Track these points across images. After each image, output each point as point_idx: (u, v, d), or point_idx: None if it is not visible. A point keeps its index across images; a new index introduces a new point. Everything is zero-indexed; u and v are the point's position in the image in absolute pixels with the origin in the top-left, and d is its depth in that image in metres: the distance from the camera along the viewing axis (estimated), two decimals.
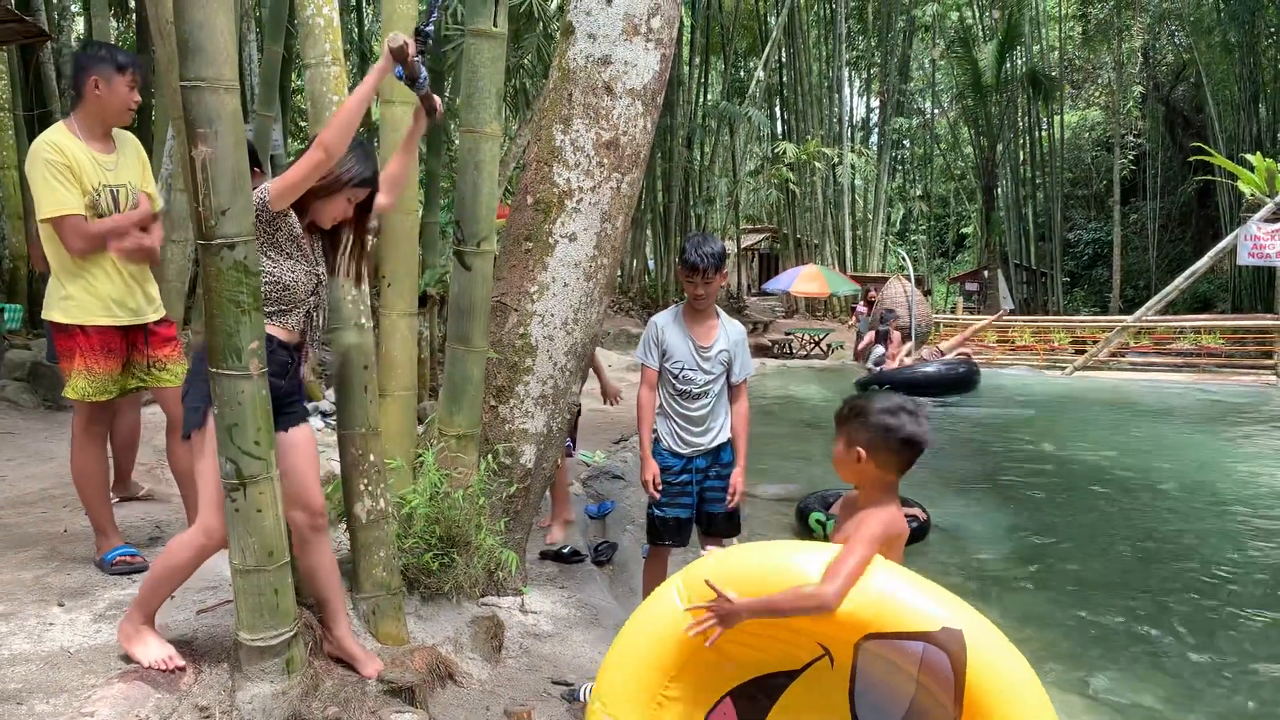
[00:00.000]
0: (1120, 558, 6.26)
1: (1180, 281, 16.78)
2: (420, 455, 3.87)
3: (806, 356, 22.24)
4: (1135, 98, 35.20)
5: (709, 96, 31.52)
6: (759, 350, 22.51)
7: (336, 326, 3.36)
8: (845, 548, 2.29)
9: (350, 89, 3.07)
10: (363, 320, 3.39)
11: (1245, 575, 5.90)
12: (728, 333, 4.08)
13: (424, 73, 2.94)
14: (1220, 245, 16.45)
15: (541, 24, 12.50)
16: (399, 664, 3.15)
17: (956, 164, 40.60)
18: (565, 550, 5.24)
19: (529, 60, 13.19)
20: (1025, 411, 13.11)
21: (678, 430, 4.04)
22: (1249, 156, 16.74)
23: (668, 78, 4.47)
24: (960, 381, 13.59)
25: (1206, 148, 19.28)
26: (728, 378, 4.09)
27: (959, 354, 14.49)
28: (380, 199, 3.07)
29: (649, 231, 27.49)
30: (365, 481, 3.39)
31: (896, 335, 14.40)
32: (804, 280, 24.56)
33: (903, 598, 2.20)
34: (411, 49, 2.80)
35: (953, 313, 28.02)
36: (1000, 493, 8.23)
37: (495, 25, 3.88)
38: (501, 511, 4.10)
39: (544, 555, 5.21)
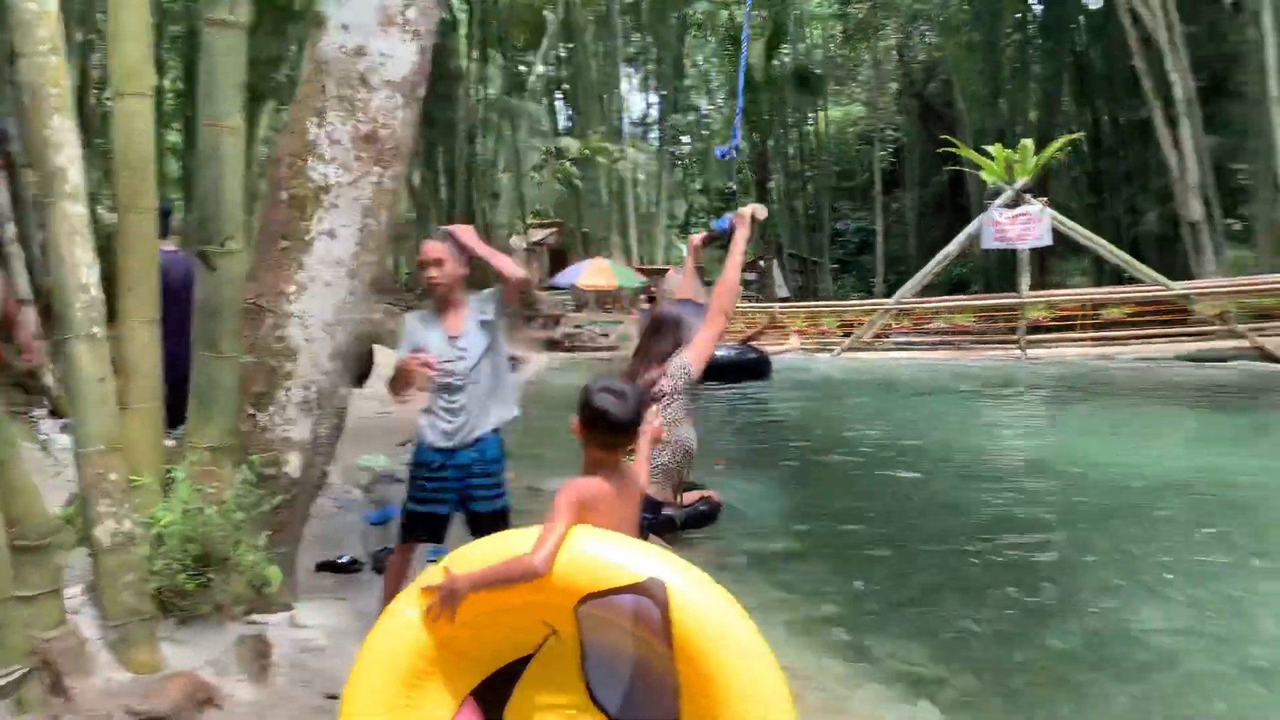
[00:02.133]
0: (896, 526, 6.64)
1: (932, 266, 18.05)
2: (170, 470, 3.63)
3: (596, 350, 22.47)
4: (892, 94, 37.54)
5: (490, 91, 31.26)
6: (549, 345, 22.56)
7: (66, 335, 3.10)
8: (546, 519, 2.39)
9: None
10: (95, 330, 3.15)
11: (1005, 533, 6.39)
12: (475, 314, 4.07)
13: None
14: (966, 231, 17.80)
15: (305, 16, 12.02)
16: (152, 693, 2.95)
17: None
18: (343, 560, 5.07)
19: (293, 50, 12.65)
20: (802, 393, 13.73)
21: (440, 425, 3.98)
22: (991, 148, 18.17)
23: (428, 70, 4.38)
24: (751, 367, 14.06)
25: (954, 140, 20.80)
26: (494, 362, 4.07)
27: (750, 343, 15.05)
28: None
29: (434, 226, 27.02)
30: (107, 502, 3.16)
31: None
32: (591, 274, 24.78)
33: (607, 556, 2.31)
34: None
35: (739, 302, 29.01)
36: (784, 471, 8.59)
37: (232, 14, 3.68)
38: (265, 524, 3.90)
39: (320, 567, 5.01)
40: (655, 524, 6.37)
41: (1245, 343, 15.41)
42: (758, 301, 29.19)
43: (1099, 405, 12.37)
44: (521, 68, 33.35)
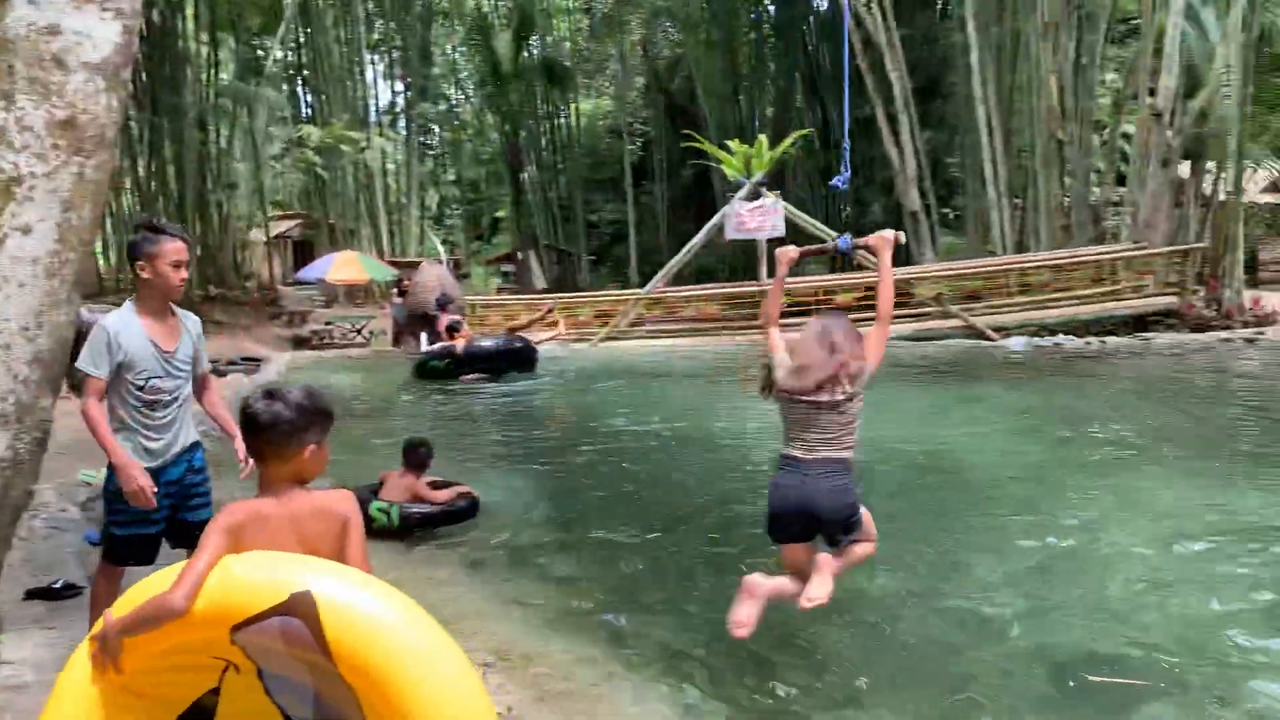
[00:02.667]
0: (650, 513, 6.80)
1: (681, 256, 18.67)
2: None
3: (347, 346, 21.70)
4: (639, 88, 38.42)
5: (222, 75, 29.44)
6: (297, 343, 21.57)
7: None
8: (195, 551, 2.27)
9: None
10: None
11: (748, 511, 6.70)
12: (188, 329, 3.87)
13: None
14: (711, 223, 18.52)
15: None
16: None
17: (484, 149, 41.72)
18: (57, 585, 4.65)
19: None
20: (563, 382, 13.81)
21: (143, 444, 3.74)
22: (731, 143, 18.96)
23: (134, 53, 4.06)
24: (519, 357, 13.99)
25: (696, 135, 21.55)
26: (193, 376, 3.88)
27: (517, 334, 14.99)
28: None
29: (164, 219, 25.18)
30: None
31: (445, 319, 14.37)
32: (340, 267, 23.89)
33: (250, 580, 2.20)
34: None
35: (496, 294, 28.88)
36: (541, 462, 8.62)
37: None
38: None
39: (30, 594, 4.58)
40: (416, 520, 6.27)
41: (959, 322, 16.90)
42: (516, 293, 29.17)
43: None
44: (259, 52, 31.62)
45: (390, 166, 36.45)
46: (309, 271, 24.39)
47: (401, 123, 38.41)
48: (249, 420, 2.44)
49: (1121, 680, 3.88)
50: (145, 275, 3.73)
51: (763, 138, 19.16)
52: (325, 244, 32.09)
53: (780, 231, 18.09)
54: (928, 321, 17.21)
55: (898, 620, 4.59)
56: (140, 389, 3.69)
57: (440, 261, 18.13)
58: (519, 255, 33.88)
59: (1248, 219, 21.06)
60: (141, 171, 25.57)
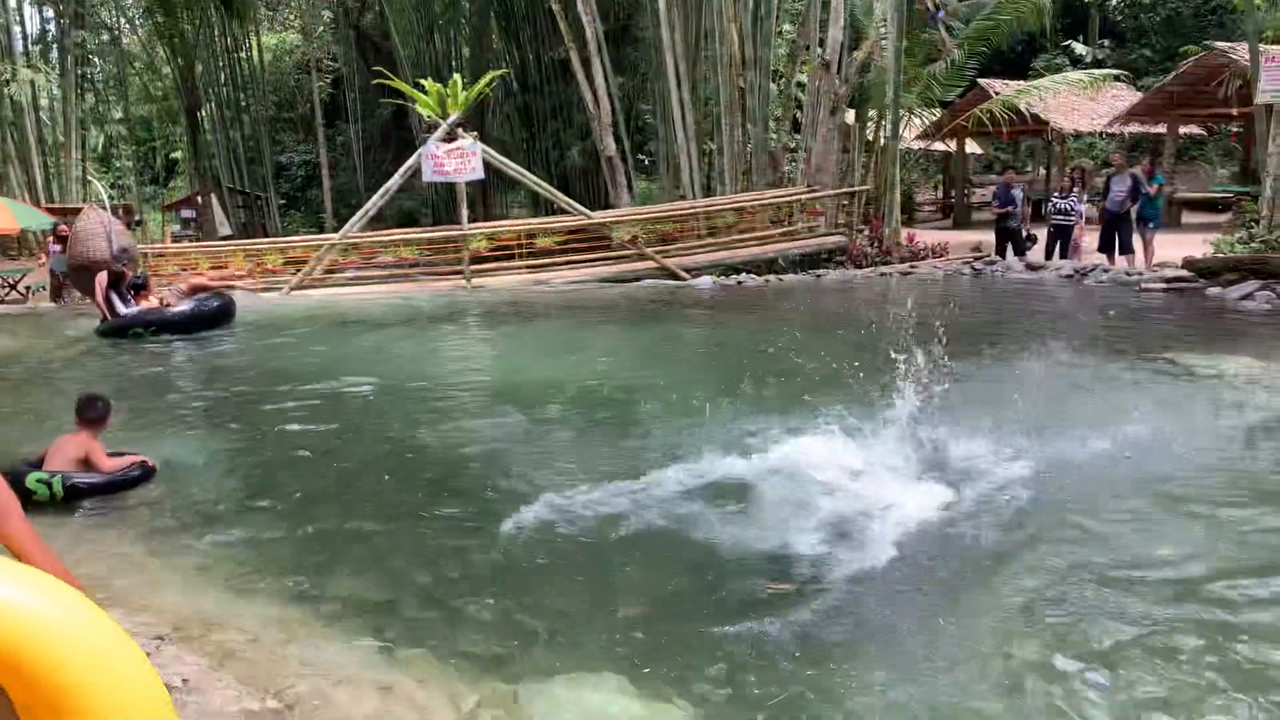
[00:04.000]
0: (343, 467, 6.66)
1: (376, 199, 18.10)
2: None
3: (1, 302, 19.42)
4: (327, 23, 36.47)
5: None
6: None
7: None
8: None
9: None
10: None
11: (437, 459, 6.71)
12: None
13: None
14: (406, 165, 18.05)
15: None
16: None
17: (156, 85, 38.17)
18: None
19: None
20: (254, 337, 13.10)
21: None
22: (424, 82, 18.48)
23: None
24: (217, 316, 13.24)
25: (387, 73, 20.82)
26: None
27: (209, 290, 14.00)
28: None
29: None
30: None
31: (101, 277, 13.15)
32: None
33: None
34: None
35: (171, 242, 26.69)
36: (230, 422, 8.19)
37: None
38: None
39: None
40: (84, 490, 5.80)
41: (653, 263, 17.58)
42: (197, 241, 27.12)
43: (534, 327, 13.43)
44: None
45: (44, 102, 32.55)
46: None
47: (55, 53, 34.31)
48: None
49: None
50: None
51: (457, 77, 18.83)
52: None
53: (480, 174, 17.96)
54: (625, 264, 17.76)
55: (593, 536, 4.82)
56: None
57: (105, 207, 16.46)
58: (199, 199, 31.45)
59: (904, 163, 23.29)
60: None
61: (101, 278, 13.10)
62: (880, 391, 6.45)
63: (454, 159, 17.34)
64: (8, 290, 19.95)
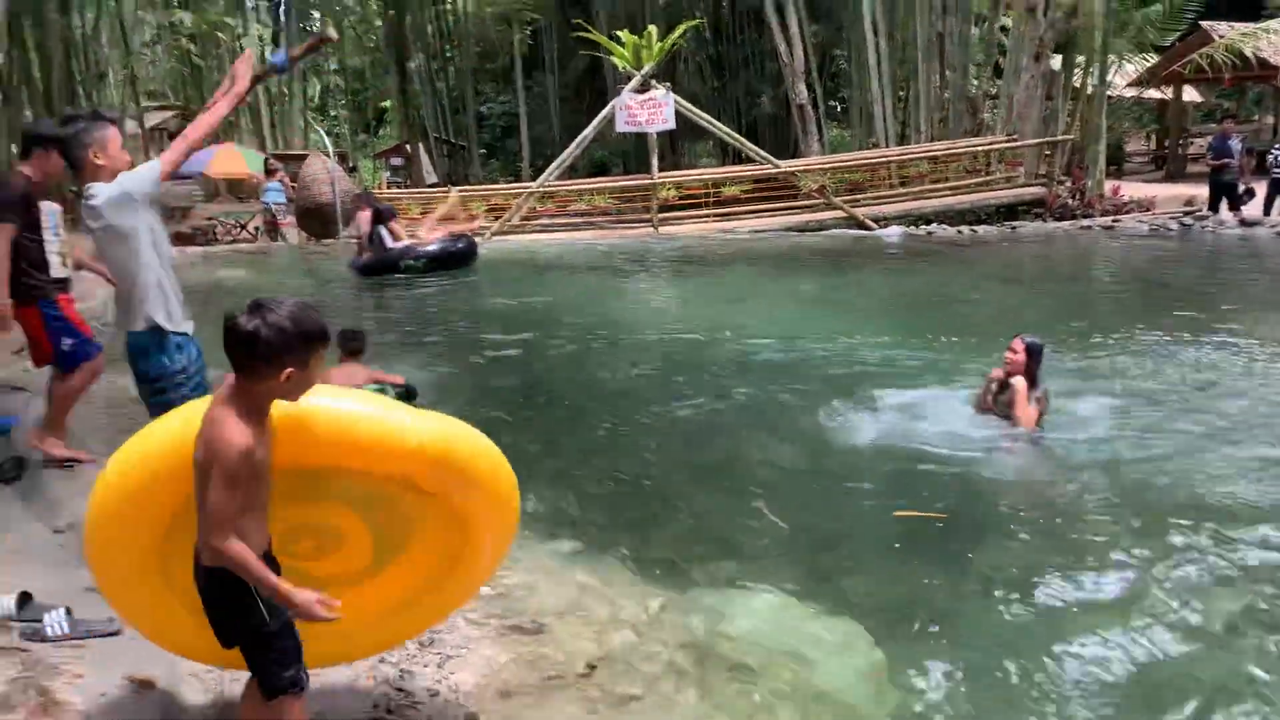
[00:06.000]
0: (559, 395, 7.13)
1: (572, 150, 18.71)
2: None
3: (234, 242, 21.26)
4: None
5: None
6: (179, 239, 20.99)
7: None
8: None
9: None
10: None
11: (651, 399, 7.13)
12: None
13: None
14: (600, 115, 18.54)
15: None
16: None
17: (369, 37, 40.28)
18: None
19: None
20: (471, 277, 13.69)
21: (183, 309, 3.85)
22: (620, 34, 18.90)
23: None
24: (466, 255, 13.84)
25: (586, 25, 21.37)
26: None
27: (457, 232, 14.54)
28: None
29: (29, 111, 23.87)
30: None
31: (366, 214, 13.86)
32: (222, 160, 23.19)
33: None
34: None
35: (382, 188, 28.37)
36: (469, 355, 8.78)
37: None
38: None
39: None
40: None
41: (840, 212, 17.51)
42: (406, 188, 28.71)
43: (720, 274, 13.72)
44: None
45: (268, 55, 34.97)
46: (188, 165, 23.48)
47: (281, 8, 36.81)
48: (227, 332, 2.21)
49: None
50: (100, 161, 3.69)
51: (652, 29, 19.15)
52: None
53: (671, 124, 18.28)
54: (812, 213, 17.76)
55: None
56: None
57: (328, 154, 17.76)
58: (407, 148, 33.17)
59: (1113, 112, 22.04)
60: (1, 61, 24.09)
61: (365, 215, 13.73)
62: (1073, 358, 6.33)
63: (646, 109, 17.72)
64: (240, 230, 21.83)
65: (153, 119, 31.05)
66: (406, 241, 13.74)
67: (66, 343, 5.01)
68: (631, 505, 5.00)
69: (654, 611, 3.66)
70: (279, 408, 2.29)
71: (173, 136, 34.16)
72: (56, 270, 5.12)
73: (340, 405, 2.43)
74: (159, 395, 3.67)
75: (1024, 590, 3.82)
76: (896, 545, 4.35)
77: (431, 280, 12.96)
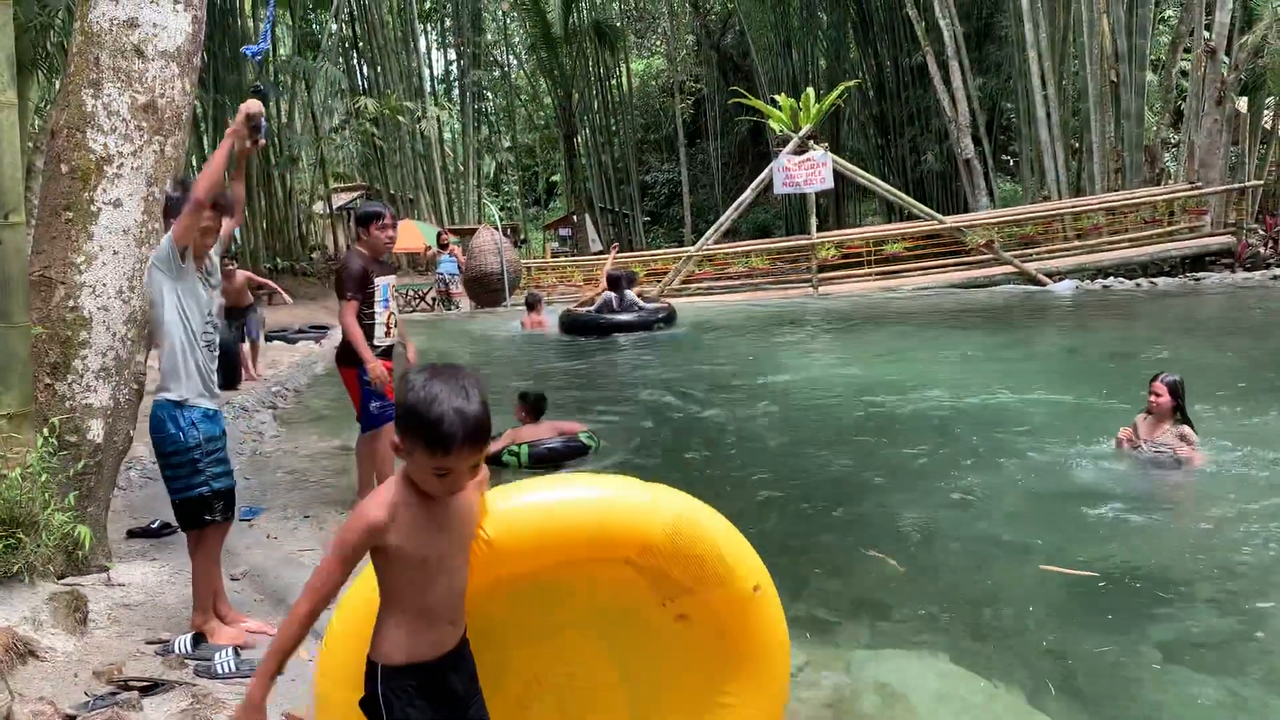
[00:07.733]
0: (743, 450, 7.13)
1: (730, 213, 18.87)
2: None
3: (412, 311, 22.36)
4: (690, 45, 38.34)
5: (280, 51, 30.15)
6: None
7: None
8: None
9: None
10: None
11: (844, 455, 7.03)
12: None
13: (264, 124, 3.77)
14: (759, 179, 18.68)
15: None
16: None
17: (539, 114, 42.01)
18: (154, 525, 5.18)
19: (60, 20, 12.02)
20: (639, 338, 13.93)
21: (206, 384, 3.72)
22: (777, 97, 19.05)
23: (203, 39, 4.50)
24: (670, 317, 14.59)
25: (743, 91, 21.64)
26: None
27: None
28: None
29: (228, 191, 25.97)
30: None
31: (632, 291, 14.88)
32: (401, 236, 24.39)
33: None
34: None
35: (549, 257, 29.29)
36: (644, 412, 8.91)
37: None
38: (72, 489, 4.02)
39: (132, 534, 5.11)
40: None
41: (1010, 268, 16.92)
42: (572, 256, 29.57)
43: (882, 334, 13.42)
44: (315, 27, 32.26)
45: (447, 135, 36.88)
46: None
47: (456, 91, 38.88)
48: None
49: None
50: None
51: (810, 91, 19.23)
52: None
53: (829, 184, 18.22)
54: (979, 269, 17.23)
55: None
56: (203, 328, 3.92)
57: (496, 228, 18.55)
58: (574, 219, 34.24)
59: None
60: (207, 148, 26.37)
61: (603, 281, 14.91)
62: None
63: (804, 170, 17.73)
64: (419, 300, 22.95)
65: (340, 199, 33.22)
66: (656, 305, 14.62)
67: (375, 405, 5.35)
68: (778, 561, 4.89)
69: (795, 668, 3.55)
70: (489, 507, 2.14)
71: (354, 216, 36.31)
72: (380, 339, 5.46)
73: (558, 494, 2.29)
74: (172, 470, 3.64)
75: (1208, 663, 3.50)
76: (1059, 604, 4.08)
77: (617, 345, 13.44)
